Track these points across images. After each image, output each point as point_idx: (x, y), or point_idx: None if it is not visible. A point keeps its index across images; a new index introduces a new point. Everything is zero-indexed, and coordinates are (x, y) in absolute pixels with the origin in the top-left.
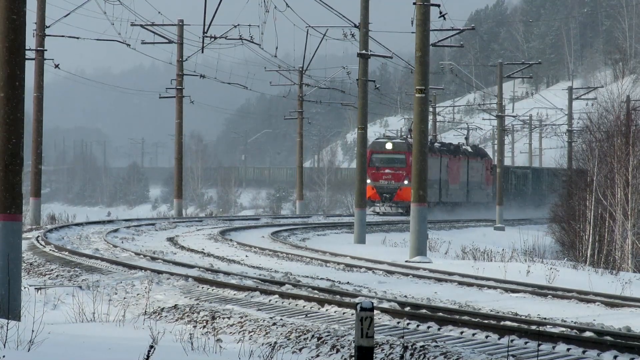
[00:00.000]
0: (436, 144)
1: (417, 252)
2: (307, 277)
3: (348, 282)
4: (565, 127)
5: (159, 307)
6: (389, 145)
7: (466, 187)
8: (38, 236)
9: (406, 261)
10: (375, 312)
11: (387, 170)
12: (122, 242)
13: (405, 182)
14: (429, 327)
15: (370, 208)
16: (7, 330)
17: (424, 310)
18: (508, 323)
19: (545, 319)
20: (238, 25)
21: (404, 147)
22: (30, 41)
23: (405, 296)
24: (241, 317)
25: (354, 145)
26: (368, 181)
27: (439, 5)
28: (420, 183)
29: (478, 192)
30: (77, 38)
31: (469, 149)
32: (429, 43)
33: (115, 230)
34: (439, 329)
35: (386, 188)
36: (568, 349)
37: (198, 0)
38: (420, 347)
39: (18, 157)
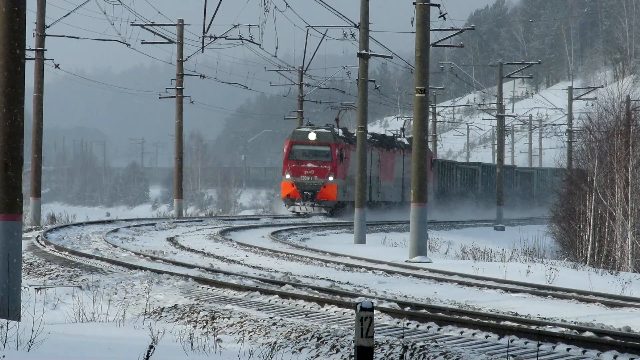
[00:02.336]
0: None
1: (417, 252)
2: (307, 277)
3: (348, 282)
4: (565, 127)
5: (159, 307)
6: (312, 136)
7: (402, 184)
8: (38, 236)
9: (406, 261)
10: (375, 312)
11: (309, 165)
12: (122, 242)
13: (331, 178)
14: (428, 327)
15: (289, 207)
16: (7, 330)
17: (424, 310)
18: (508, 323)
19: (545, 319)
20: (238, 25)
21: (329, 137)
22: (30, 41)
23: (405, 296)
24: (241, 317)
25: None
26: (287, 176)
27: (439, 5)
28: (420, 183)
29: None
30: (77, 38)
31: (406, 141)
32: (429, 43)
33: (115, 230)
34: (438, 329)
35: (308, 185)
36: (568, 349)
37: (198, 0)
38: (420, 347)
39: (18, 157)
